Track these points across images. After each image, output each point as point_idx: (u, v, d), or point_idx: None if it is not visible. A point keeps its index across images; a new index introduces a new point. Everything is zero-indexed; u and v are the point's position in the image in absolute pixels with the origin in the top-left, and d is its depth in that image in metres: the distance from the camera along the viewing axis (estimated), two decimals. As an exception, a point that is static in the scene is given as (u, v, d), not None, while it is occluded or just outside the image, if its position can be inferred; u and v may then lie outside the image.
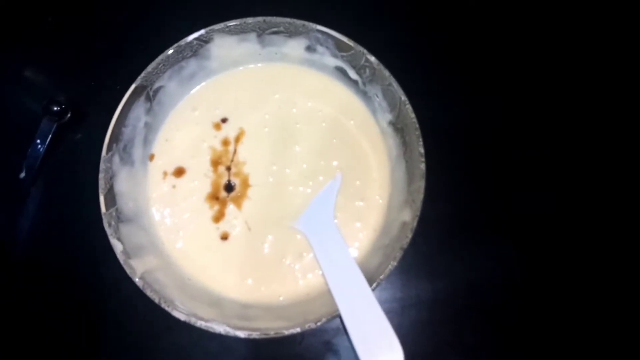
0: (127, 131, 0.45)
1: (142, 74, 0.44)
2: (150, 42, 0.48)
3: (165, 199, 0.47)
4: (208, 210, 0.46)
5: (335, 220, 0.45)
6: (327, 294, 0.42)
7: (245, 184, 0.47)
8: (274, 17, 0.45)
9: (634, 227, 0.51)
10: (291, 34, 0.46)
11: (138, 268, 0.40)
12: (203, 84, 0.50)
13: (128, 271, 0.39)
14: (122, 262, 0.40)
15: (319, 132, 0.48)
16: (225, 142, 0.48)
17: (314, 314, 0.38)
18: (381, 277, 0.39)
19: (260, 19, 0.45)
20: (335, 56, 0.46)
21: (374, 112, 0.47)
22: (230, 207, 0.46)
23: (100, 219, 0.41)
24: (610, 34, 0.57)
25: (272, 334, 0.37)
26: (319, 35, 0.45)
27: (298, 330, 0.37)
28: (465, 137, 0.53)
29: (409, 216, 0.40)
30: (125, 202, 0.44)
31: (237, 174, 0.47)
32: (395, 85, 0.43)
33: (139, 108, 0.45)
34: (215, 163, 0.48)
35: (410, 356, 0.48)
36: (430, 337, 0.48)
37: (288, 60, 0.49)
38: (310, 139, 0.47)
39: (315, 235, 0.44)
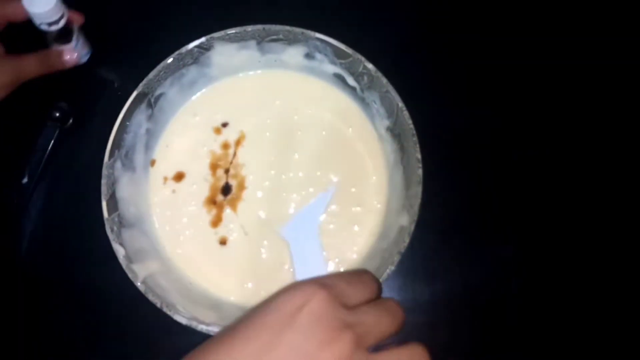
0: (128, 137, 0.45)
1: (144, 81, 0.45)
2: (151, 50, 0.48)
3: (165, 204, 0.47)
4: (206, 215, 0.47)
5: (320, 240, 0.45)
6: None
7: (242, 186, 0.47)
8: (273, 25, 0.46)
9: (634, 227, 0.51)
10: (290, 41, 0.47)
11: (140, 273, 0.41)
12: (203, 90, 0.50)
13: (130, 276, 0.40)
14: (124, 266, 0.40)
15: (317, 139, 0.48)
16: (225, 146, 0.49)
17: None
18: (379, 280, 0.39)
19: (259, 27, 0.46)
20: (333, 63, 0.47)
21: (372, 118, 0.48)
22: (227, 211, 0.47)
23: (102, 224, 0.42)
24: (610, 34, 0.57)
25: (272, 337, 0.38)
26: (318, 43, 0.46)
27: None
28: (464, 138, 0.54)
29: (406, 221, 0.41)
30: (127, 208, 0.45)
31: (234, 176, 0.48)
32: (393, 92, 0.44)
33: (141, 115, 0.46)
34: (214, 167, 0.48)
35: None
36: (428, 339, 0.48)
37: (287, 67, 0.50)
38: (309, 145, 0.48)
39: (297, 246, 0.44)
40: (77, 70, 0.56)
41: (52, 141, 0.52)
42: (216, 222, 0.47)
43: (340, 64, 0.47)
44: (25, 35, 0.49)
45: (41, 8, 0.45)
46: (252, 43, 0.47)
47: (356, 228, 0.46)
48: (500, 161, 0.53)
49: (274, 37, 0.46)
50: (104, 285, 0.48)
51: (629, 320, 0.49)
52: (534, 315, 0.49)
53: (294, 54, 0.48)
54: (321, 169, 0.47)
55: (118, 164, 0.44)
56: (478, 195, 0.52)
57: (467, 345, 0.49)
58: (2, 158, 0.54)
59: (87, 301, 0.49)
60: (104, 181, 0.43)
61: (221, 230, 0.46)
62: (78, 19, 0.50)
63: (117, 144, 0.44)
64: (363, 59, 0.44)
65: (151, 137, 0.48)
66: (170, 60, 0.45)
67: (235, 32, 0.46)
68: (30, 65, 0.49)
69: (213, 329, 0.38)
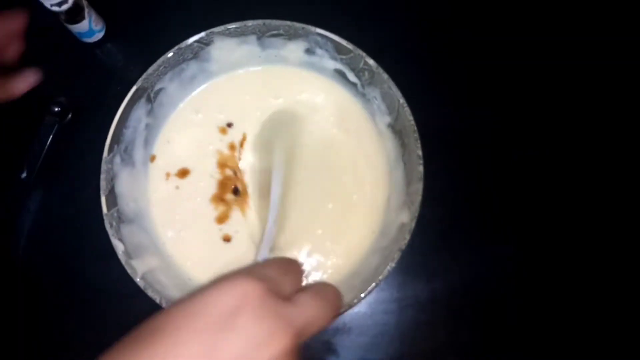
0: (128, 132, 0.45)
1: (143, 76, 0.44)
2: (150, 45, 0.48)
3: (166, 199, 0.47)
4: (212, 211, 0.47)
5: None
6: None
7: (246, 193, 0.47)
8: (274, 20, 0.45)
9: (634, 227, 0.51)
10: (291, 36, 0.46)
11: (139, 268, 0.40)
12: (204, 86, 0.50)
13: (129, 271, 0.40)
14: (123, 262, 0.40)
15: (318, 135, 0.48)
16: (232, 147, 0.48)
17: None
18: (380, 278, 0.39)
19: (260, 21, 0.45)
20: (334, 59, 0.47)
21: (372, 114, 0.48)
22: (236, 212, 0.47)
23: (101, 220, 0.41)
24: (611, 34, 0.57)
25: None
26: (319, 38, 0.45)
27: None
28: (464, 137, 0.53)
29: (407, 218, 0.41)
30: (126, 203, 0.44)
31: (241, 181, 0.48)
32: (394, 88, 0.43)
33: (140, 110, 0.46)
34: (223, 165, 0.48)
35: (409, 355, 0.48)
36: (428, 337, 0.49)
37: (287, 62, 0.50)
38: (308, 143, 0.48)
39: None
40: (77, 64, 0.56)
41: (51, 136, 0.52)
42: (222, 218, 0.46)
43: (341, 59, 0.46)
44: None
45: None
46: (253, 38, 0.47)
47: (357, 227, 0.46)
48: (500, 161, 0.53)
49: (275, 32, 0.46)
50: (103, 281, 0.48)
51: (629, 320, 0.49)
52: (534, 314, 0.49)
53: (295, 49, 0.48)
54: (321, 167, 0.47)
55: (117, 159, 0.44)
56: (478, 195, 0.52)
57: (467, 344, 0.49)
58: (1, 153, 0.53)
59: (86, 297, 0.49)
60: (103, 176, 0.42)
61: (227, 228, 0.46)
62: None
63: (116, 139, 0.44)
64: (364, 54, 0.44)
65: (151, 132, 0.48)
66: (170, 54, 0.45)
67: (236, 27, 0.46)
68: None
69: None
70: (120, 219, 0.43)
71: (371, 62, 0.44)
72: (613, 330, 0.48)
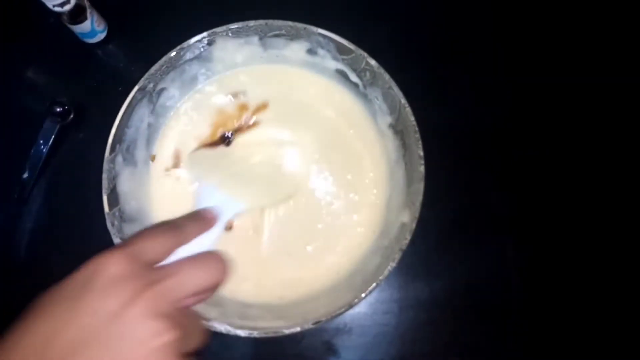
0: (130, 132, 0.45)
1: (145, 76, 0.45)
2: (152, 45, 0.48)
3: (168, 196, 0.47)
4: None
5: None
6: (327, 295, 0.42)
7: None
8: (276, 21, 0.45)
9: (634, 227, 0.51)
10: (293, 37, 0.46)
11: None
12: (206, 85, 0.50)
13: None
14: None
15: (318, 134, 0.48)
16: (243, 107, 0.48)
17: (314, 314, 0.39)
18: (380, 277, 0.39)
19: (262, 22, 0.45)
20: (336, 59, 0.47)
21: (374, 114, 0.48)
22: None
23: (103, 219, 0.41)
24: (611, 33, 0.57)
25: (271, 333, 0.38)
26: (321, 39, 0.45)
27: (298, 329, 0.38)
28: (465, 138, 0.54)
29: (407, 218, 0.41)
30: (128, 202, 0.45)
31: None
32: (395, 88, 0.43)
33: (142, 109, 0.46)
34: (217, 126, 0.48)
35: (409, 356, 0.48)
36: (429, 337, 0.49)
37: (289, 62, 0.50)
38: (310, 141, 0.48)
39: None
40: (78, 64, 0.56)
41: (53, 136, 0.52)
42: None
43: (343, 60, 0.46)
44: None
45: None
46: (255, 38, 0.47)
47: (358, 226, 0.46)
48: (500, 161, 0.53)
49: (277, 32, 0.46)
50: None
51: (629, 320, 0.49)
52: (535, 314, 0.49)
53: (297, 49, 0.48)
54: (322, 166, 0.47)
55: (119, 159, 0.44)
56: (479, 195, 0.52)
57: (468, 344, 0.49)
58: (3, 153, 0.54)
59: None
60: (104, 175, 0.42)
61: None
62: None
63: (118, 139, 0.44)
64: (366, 55, 0.44)
65: (153, 131, 0.48)
66: (172, 54, 0.45)
67: (238, 27, 0.46)
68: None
69: (213, 324, 0.38)
70: (122, 218, 0.43)
71: (373, 62, 0.44)
72: (614, 331, 0.49)
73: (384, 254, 0.42)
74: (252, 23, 0.46)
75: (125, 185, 0.45)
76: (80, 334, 0.23)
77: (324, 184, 0.47)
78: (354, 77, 0.47)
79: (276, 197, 0.45)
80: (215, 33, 0.46)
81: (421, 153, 0.42)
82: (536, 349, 0.49)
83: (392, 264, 0.40)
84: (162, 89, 0.47)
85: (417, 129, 0.42)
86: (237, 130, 0.48)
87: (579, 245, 0.51)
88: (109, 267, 0.25)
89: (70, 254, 0.49)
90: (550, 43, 0.57)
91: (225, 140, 0.47)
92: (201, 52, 0.47)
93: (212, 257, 0.28)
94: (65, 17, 0.51)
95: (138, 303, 0.24)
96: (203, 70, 0.49)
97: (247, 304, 0.43)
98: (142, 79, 0.45)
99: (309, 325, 0.38)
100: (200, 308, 0.40)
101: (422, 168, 0.41)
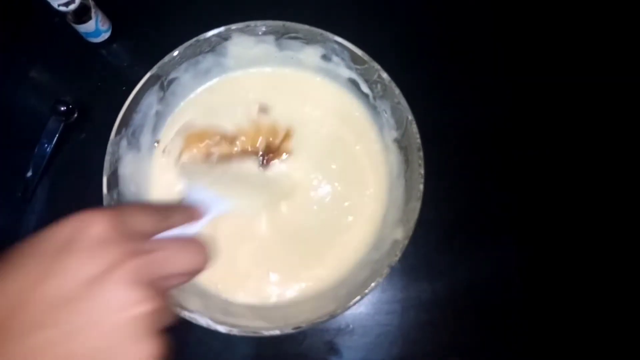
0: (137, 117, 0.46)
1: (158, 64, 0.45)
2: (156, 45, 0.48)
3: (166, 185, 0.48)
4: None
5: None
6: (310, 302, 0.42)
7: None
8: (294, 23, 0.45)
9: (635, 227, 0.51)
10: (308, 41, 0.46)
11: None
12: (217, 79, 0.50)
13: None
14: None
15: (323, 142, 0.48)
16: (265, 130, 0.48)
17: (294, 319, 0.39)
18: (366, 291, 0.39)
19: (280, 22, 0.46)
20: (349, 68, 0.47)
21: (381, 127, 0.48)
22: None
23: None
24: (611, 33, 0.57)
25: (250, 332, 0.38)
26: (336, 46, 0.45)
27: (277, 332, 0.38)
28: (465, 138, 0.53)
29: (401, 235, 0.41)
30: (127, 186, 0.45)
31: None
32: (404, 103, 0.43)
33: (152, 96, 0.46)
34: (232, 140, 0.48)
35: (411, 356, 0.48)
36: (431, 337, 0.49)
37: (303, 66, 0.50)
38: (313, 147, 0.48)
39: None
40: (82, 63, 0.56)
41: (57, 135, 0.52)
42: None
43: (356, 69, 0.46)
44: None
45: None
46: (271, 38, 0.47)
47: (350, 236, 0.46)
48: (500, 161, 0.53)
49: (293, 34, 0.46)
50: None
51: (629, 321, 0.48)
52: (535, 314, 0.49)
53: (311, 53, 0.48)
54: (322, 173, 0.47)
55: (124, 142, 0.45)
56: (479, 195, 0.52)
57: (470, 345, 0.49)
58: (7, 152, 0.54)
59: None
60: (107, 157, 0.43)
61: None
62: None
63: (125, 122, 0.44)
64: (379, 67, 0.44)
65: (160, 119, 0.48)
66: (187, 45, 0.45)
67: (255, 25, 0.46)
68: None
69: (195, 317, 0.39)
70: (119, 200, 0.43)
71: (385, 75, 0.44)
72: (614, 331, 0.48)
73: (373, 268, 0.42)
74: (270, 22, 0.46)
75: (127, 168, 0.45)
76: (55, 296, 0.22)
77: (320, 192, 0.47)
78: (365, 88, 0.47)
79: (266, 201, 0.45)
80: (231, 29, 0.46)
81: (422, 171, 0.41)
82: (537, 349, 0.49)
83: (379, 279, 0.39)
84: (174, 78, 0.47)
85: (420, 146, 0.42)
86: (266, 154, 0.48)
87: (579, 245, 0.51)
88: (93, 227, 0.23)
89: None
90: (550, 43, 0.56)
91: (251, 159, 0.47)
92: (216, 46, 0.47)
93: (196, 243, 0.28)
94: (69, 17, 0.52)
95: (120, 269, 0.23)
96: (217, 64, 0.49)
97: (231, 301, 0.44)
98: (156, 66, 0.45)
99: (288, 330, 0.38)
100: (184, 299, 0.40)
101: (421, 187, 0.41)
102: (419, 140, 0.42)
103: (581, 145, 0.53)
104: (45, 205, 0.52)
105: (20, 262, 0.23)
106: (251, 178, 0.46)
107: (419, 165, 0.42)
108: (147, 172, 0.48)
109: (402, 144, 0.45)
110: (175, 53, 0.45)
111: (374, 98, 0.47)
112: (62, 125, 0.52)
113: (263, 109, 0.49)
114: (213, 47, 0.47)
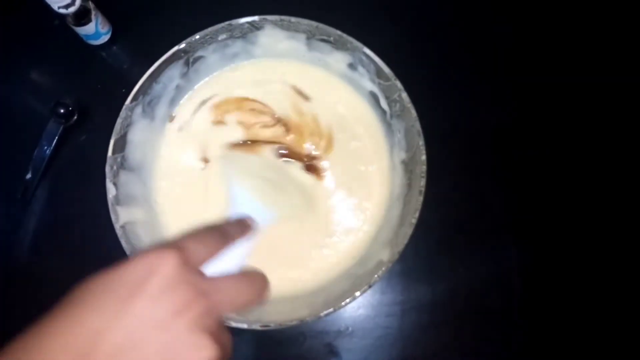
0: (157, 87, 0.46)
1: (187, 39, 0.45)
2: (156, 47, 0.46)
3: (172, 159, 0.48)
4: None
5: None
6: (285, 302, 0.43)
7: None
8: (327, 26, 0.45)
9: (635, 227, 0.51)
10: (338, 46, 0.46)
11: (122, 217, 0.42)
12: (243, 63, 0.51)
13: (112, 217, 0.41)
14: (110, 206, 0.41)
15: (350, 153, 0.48)
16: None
17: (266, 317, 0.39)
18: (342, 304, 0.39)
19: (314, 23, 0.46)
20: (372, 81, 0.47)
21: (392, 146, 0.48)
22: None
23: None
24: (611, 33, 0.56)
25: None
26: (363, 57, 0.45)
27: (245, 326, 0.38)
28: (465, 138, 0.53)
29: (387, 257, 0.41)
30: (133, 152, 0.46)
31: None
32: (418, 127, 0.43)
33: (176, 70, 0.47)
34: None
35: (412, 358, 0.49)
36: (431, 339, 0.49)
37: (329, 69, 0.50)
38: (345, 158, 0.48)
39: None
40: (82, 66, 0.56)
41: (57, 137, 0.52)
42: None
43: (379, 84, 0.46)
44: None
45: None
46: (302, 36, 0.47)
47: (339, 245, 0.46)
48: (500, 162, 0.53)
49: (324, 37, 0.46)
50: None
51: (629, 321, 0.48)
52: (536, 315, 0.49)
53: (339, 59, 0.48)
54: (338, 183, 0.48)
55: (138, 109, 0.45)
56: (479, 196, 0.52)
57: (470, 347, 0.49)
58: (7, 154, 0.54)
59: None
60: (119, 121, 0.44)
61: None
62: None
63: (143, 90, 0.45)
64: (401, 87, 0.44)
65: (179, 93, 0.49)
66: (219, 27, 0.46)
67: (289, 21, 0.46)
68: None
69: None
70: (122, 165, 0.44)
71: (404, 95, 0.44)
72: (614, 331, 0.48)
73: (354, 282, 0.42)
74: (304, 21, 0.46)
75: (136, 135, 0.46)
76: (128, 337, 0.23)
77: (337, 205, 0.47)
78: (384, 104, 0.47)
79: (297, 211, 0.46)
80: (266, 20, 0.46)
81: (420, 199, 0.41)
82: (538, 350, 0.48)
83: (357, 295, 0.40)
84: (201, 57, 0.48)
85: (425, 174, 0.42)
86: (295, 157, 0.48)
87: (579, 245, 0.50)
88: (163, 268, 0.24)
89: (73, 255, 0.51)
90: (550, 43, 0.56)
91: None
92: (248, 34, 0.47)
93: (258, 277, 0.29)
94: (69, 19, 0.52)
95: (187, 315, 0.24)
96: (245, 50, 0.49)
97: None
98: (185, 41, 0.45)
99: (256, 326, 0.38)
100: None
101: (417, 214, 0.41)
102: (424, 167, 0.42)
103: (581, 145, 0.53)
104: (45, 206, 0.52)
105: (97, 298, 0.24)
106: (289, 182, 0.46)
107: (420, 192, 0.41)
108: (156, 143, 0.48)
109: (408, 167, 0.45)
110: (206, 32, 0.46)
111: (391, 116, 0.47)
112: (62, 127, 0.52)
113: (304, 96, 0.49)
114: (244, 34, 0.47)
